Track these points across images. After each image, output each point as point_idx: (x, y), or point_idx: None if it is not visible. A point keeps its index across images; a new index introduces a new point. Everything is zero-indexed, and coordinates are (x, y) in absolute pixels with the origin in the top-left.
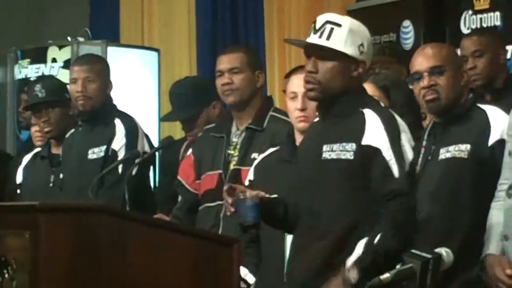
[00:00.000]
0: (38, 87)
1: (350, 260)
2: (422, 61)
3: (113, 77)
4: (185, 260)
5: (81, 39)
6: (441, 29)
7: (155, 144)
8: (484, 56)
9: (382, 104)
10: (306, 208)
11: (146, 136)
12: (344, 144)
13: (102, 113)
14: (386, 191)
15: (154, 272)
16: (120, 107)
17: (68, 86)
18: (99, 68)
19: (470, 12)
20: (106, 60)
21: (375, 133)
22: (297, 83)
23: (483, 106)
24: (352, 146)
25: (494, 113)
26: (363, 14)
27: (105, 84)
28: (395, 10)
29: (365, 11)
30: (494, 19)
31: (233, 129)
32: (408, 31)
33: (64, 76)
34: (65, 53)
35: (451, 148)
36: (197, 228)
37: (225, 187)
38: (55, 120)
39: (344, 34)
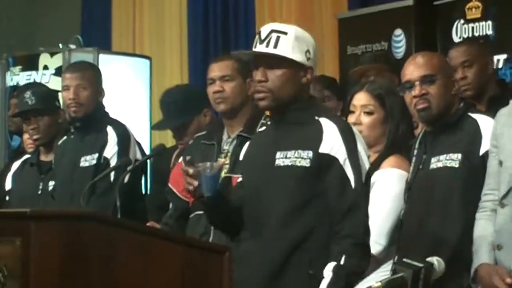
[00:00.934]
0: (28, 94)
1: (323, 286)
2: (413, 70)
3: (104, 85)
4: (175, 268)
5: (72, 46)
6: (433, 38)
7: (147, 151)
8: (474, 66)
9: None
10: (254, 214)
11: (138, 143)
12: (300, 151)
13: (94, 120)
14: (343, 203)
15: (143, 279)
16: (112, 114)
17: (59, 94)
18: (92, 75)
19: (462, 21)
20: (98, 67)
21: (332, 142)
22: None
23: (474, 115)
24: (308, 153)
25: (485, 123)
26: (354, 23)
27: (98, 91)
28: (386, 18)
29: (357, 20)
30: (486, 28)
31: (224, 136)
32: (399, 40)
33: (55, 83)
34: (56, 60)
35: (442, 157)
36: (187, 236)
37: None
38: (44, 128)
39: (291, 41)
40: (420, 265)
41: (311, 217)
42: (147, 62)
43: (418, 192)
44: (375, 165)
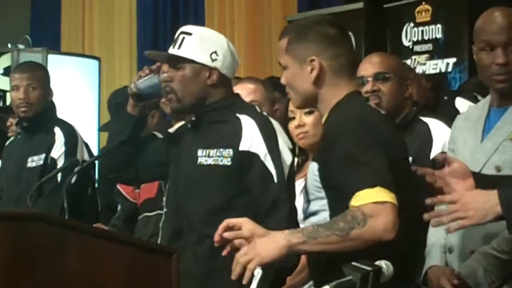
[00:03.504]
0: None
1: (253, 285)
2: (368, 67)
3: (53, 85)
4: (122, 269)
5: (21, 46)
6: (383, 41)
7: (95, 152)
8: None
9: (258, 110)
10: (180, 211)
11: (86, 144)
12: (221, 149)
13: (42, 120)
14: (268, 200)
15: (91, 280)
16: (60, 115)
17: (7, 93)
18: (41, 76)
19: (412, 24)
20: (46, 67)
21: (251, 138)
22: None
23: (425, 119)
24: (229, 152)
25: (436, 126)
26: None
27: (46, 91)
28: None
29: None
30: (435, 31)
31: None
32: None
33: (4, 83)
34: (5, 60)
35: None
36: (135, 237)
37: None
38: None
39: (194, 42)
40: (369, 268)
41: (236, 216)
42: (96, 62)
43: None
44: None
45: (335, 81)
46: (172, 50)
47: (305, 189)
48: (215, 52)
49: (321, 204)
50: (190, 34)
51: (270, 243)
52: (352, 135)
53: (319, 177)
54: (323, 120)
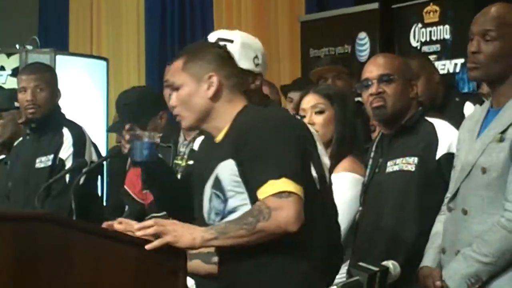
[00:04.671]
0: None
1: None
2: (372, 69)
3: (61, 86)
4: (129, 269)
5: (29, 47)
6: (391, 41)
7: (103, 153)
8: (420, 79)
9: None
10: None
11: (94, 145)
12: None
13: (50, 121)
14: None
15: (97, 280)
16: (68, 116)
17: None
18: (48, 77)
19: (420, 25)
20: (53, 68)
21: None
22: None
23: (431, 120)
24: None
25: (441, 127)
26: (317, 25)
27: (54, 92)
28: (350, 21)
29: (320, 22)
30: (443, 32)
31: (181, 139)
32: (363, 43)
33: (12, 84)
34: (13, 61)
35: (398, 160)
36: (142, 238)
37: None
38: (2, 127)
39: (237, 49)
40: (376, 268)
41: None
42: (104, 63)
43: (374, 195)
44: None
45: (231, 96)
46: None
47: (218, 189)
48: (256, 56)
49: (241, 198)
50: (231, 41)
51: (187, 232)
52: (263, 130)
53: (238, 173)
54: (225, 130)
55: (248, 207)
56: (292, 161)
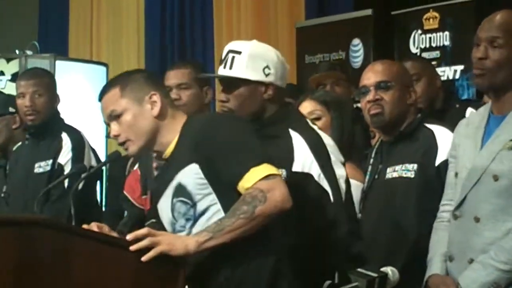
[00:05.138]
0: None
1: None
2: (370, 76)
3: (60, 91)
4: (128, 275)
5: (29, 52)
6: (390, 48)
7: (103, 159)
8: (422, 80)
9: (309, 122)
10: None
11: (93, 150)
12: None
13: (49, 126)
14: (326, 220)
15: (96, 285)
16: (67, 121)
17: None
18: (47, 82)
19: (420, 31)
20: (52, 74)
21: (303, 159)
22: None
23: (430, 126)
24: (282, 172)
25: (441, 133)
26: (312, 32)
27: (53, 97)
28: (345, 28)
29: (315, 29)
30: (443, 38)
31: None
32: (357, 49)
33: (11, 89)
34: (13, 66)
35: (398, 167)
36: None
37: None
38: None
39: (244, 60)
40: (374, 274)
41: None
42: (103, 69)
43: (373, 201)
44: None
45: (173, 112)
46: (223, 71)
47: (183, 195)
48: (267, 66)
49: (209, 199)
50: (239, 52)
51: (179, 240)
52: (224, 126)
53: (203, 174)
54: (174, 143)
55: (217, 206)
56: (259, 146)
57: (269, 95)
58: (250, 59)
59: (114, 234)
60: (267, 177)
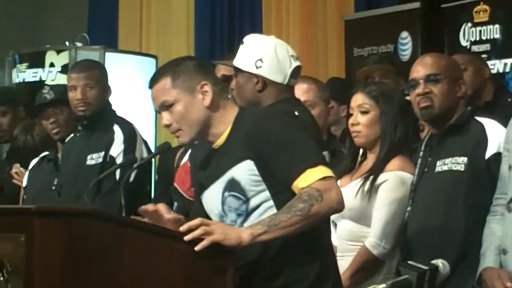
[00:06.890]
0: (46, 89)
1: None
2: (419, 69)
3: (110, 83)
4: (178, 266)
5: (79, 44)
6: (439, 41)
7: (153, 150)
8: (468, 69)
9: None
10: None
11: (145, 142)
12: None
13: (101, 119)
14: None
15: (147, 277)
16: (119, 113)
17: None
18: (98, 74)
19: (470, 24)
20: (103, 65)
21: None
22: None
23: (480, 119)
24: None
25: (491, 126)
26: (361, 24)
27: (104, 89)
28: (393, 21)
29: (363, 21)
30: (493, 32)
31: None
32: (406, 42)
33: (61, 80)
34: (62, 58)
35: (447, 160)
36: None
37: None
38: (64, 121)
39: (243, 51)
40: (425, 267)
41: None
42: (153, 61)
43: (423, 194)
44: (379, 167)
45: (224, 102)
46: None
47: (237, 191)
48: (260, 59)
49: (263, 196)
50: (243, 43)
51: (233, 231)
52: (278, 123)
53: (257, 171)
54: (226, 134)
55: (270, 202)
56: (316, 148)
57: (259, 87)
58: (247, 50)
59: (172, 213)
60: (325, 178)
